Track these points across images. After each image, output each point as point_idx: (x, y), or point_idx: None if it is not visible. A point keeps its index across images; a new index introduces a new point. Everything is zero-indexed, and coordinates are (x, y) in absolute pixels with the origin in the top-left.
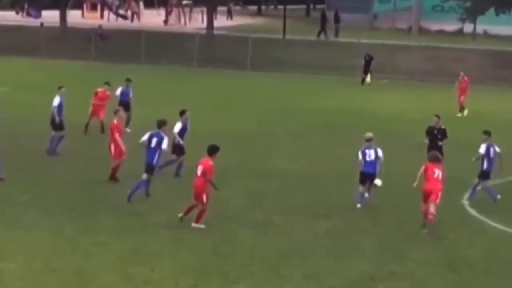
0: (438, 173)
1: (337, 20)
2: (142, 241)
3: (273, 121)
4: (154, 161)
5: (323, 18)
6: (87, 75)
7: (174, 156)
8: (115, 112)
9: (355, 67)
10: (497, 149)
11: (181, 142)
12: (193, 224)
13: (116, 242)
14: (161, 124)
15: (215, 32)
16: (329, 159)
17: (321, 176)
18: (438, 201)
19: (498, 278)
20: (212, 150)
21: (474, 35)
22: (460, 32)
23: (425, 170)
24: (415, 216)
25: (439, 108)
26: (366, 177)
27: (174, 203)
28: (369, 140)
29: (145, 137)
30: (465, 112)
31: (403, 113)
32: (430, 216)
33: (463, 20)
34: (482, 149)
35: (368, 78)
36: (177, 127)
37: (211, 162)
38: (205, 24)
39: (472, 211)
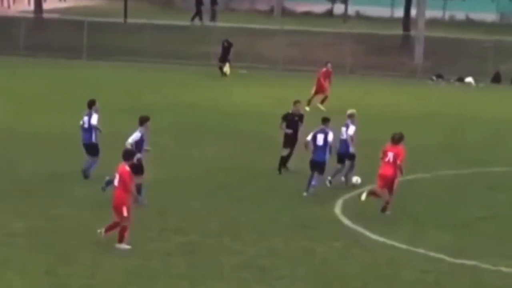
0: (390, 156)
1: (213, 2)
2: None
3: (117, 119)
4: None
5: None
6: None
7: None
8: None
9: (210, 55)
10: (330, 138)
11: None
12: (117, 245)
13: None
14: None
15: (45, 15)
16: (179, 163)
17: (169, 181)
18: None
19: None
20: (129, 155)
21: (345, 17)
22: (329, 13)
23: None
24: (279, 228)
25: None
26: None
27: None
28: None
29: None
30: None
31: (264, 107)
32: (386, 205)
33: (332, 1)
34: (309, 136)
35: (226, 68)
36: (135, 137)
37: (127, 168)
38: (32, 7)
39: (346, 221)
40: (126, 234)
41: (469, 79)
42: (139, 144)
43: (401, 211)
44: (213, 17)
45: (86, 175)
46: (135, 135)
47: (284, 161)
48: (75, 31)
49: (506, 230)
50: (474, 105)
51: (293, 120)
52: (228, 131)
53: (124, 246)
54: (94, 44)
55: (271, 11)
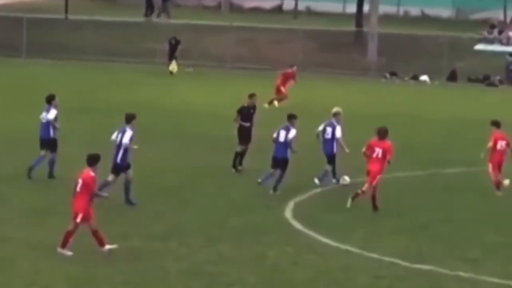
0: (377, 151)
1: None
2: None
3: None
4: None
5: None
6: None
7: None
8: None
9: (155, 52)
10: (290, 135)
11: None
12: (59, 250)
13: None
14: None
15: None
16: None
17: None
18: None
19: None
20: (93, 159)
21: (295, 12)
22: (279, 9)
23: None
24: (229, 233)
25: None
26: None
27: None
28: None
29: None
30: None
31: (212, 107)
32: (359, 191)
33: None
34: (276, 133)
35: (173, 66)
36: (129, 136)
37: (92, 173)
38: None
39: (297, 225)
40: (71, 240)
41: (424, 77)
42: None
43: (355, 214)
44: (166, 13)
45: (30, 173)
46: (129, 134)
47: (240, 158)
48: (14, 28)
49: (464, 233)
50: (430, 104)
51: (248, 113)
52: (174, 132)
53: (67, 252)
54: (34, 42)
55: (219, 7)
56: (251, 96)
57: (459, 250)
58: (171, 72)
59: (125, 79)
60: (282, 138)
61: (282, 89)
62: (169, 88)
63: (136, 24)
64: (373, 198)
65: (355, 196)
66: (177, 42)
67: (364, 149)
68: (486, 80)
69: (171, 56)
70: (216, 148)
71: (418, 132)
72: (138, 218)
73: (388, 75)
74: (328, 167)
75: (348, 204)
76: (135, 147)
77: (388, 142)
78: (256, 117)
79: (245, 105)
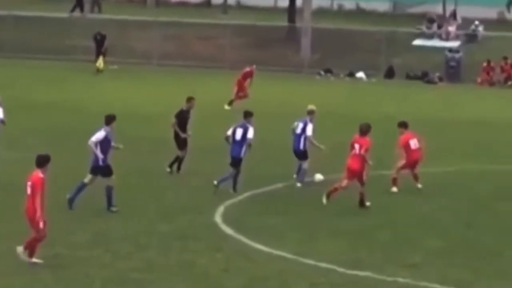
0: (356, 147)
1: None
2: None
3: None
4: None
5: None
6: None
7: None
8: None
9: (76, 48)
10: (249, 135)
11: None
12: (29, 259)
13: None
14: None
15: None
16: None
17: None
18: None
19: None
20: (42, 161)
21: (224, 7)
22: (207, 3)
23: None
24: (156, 239)
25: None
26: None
27: None
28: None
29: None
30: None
31: (136, 107)
32: (361, 197)
33: None
34: (230, 130)
35: (99, 62)
36: (98, 136)
37: (40, 175)
38: None
39: (228, 230)
40: (38, 248)
41: (360, 74)
42: (103, 144)
43: (290, 218)
44: (98, 7)
45: None
46: (99, 134)
47: (179, 162)
48: None
49: (403, 238)
50: (367, 102)
51: (186, 118)
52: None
53: (36, 260)
54: None
55: (144, 1)
56: (190, 99)
57: (399, 256)
58: (97, 69)
59: (46, 76)
60: (239, 136)
61: (245, 87)
62: (92, 86)
63: (58, 19)
64: (361, 195)
65: (332, 191)
66: (103, 37)
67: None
68: (425, 77)
69: (98, 52)
70: (144, 150)
71: (354, 132)
72: (61, 224)
73: (322, 72)
74: (305, 165)
75: (324, 200)
76: (119, 146)
77: (367, 138)
78: (191, 120)
79: (183, 108)
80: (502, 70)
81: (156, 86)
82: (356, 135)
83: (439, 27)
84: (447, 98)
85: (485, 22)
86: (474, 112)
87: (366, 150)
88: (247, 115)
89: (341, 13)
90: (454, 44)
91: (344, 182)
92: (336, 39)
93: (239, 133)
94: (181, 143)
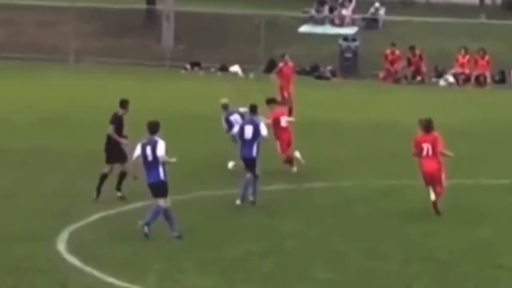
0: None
1: None
2: None
3: None
4: None
5: None
6: None
7: None
8: None
9: None
10: (263, 132)
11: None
12: None
13: None
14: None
15: None
16: None
17: None
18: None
19: None
20: None
21: None
22: None
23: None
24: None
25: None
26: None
27: None
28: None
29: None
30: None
31: None
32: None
33: None
34: (236, 129)
35: None
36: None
37: None
38: None
39: (74, 260)
40: None
41: (235, 68)
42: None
43: (150, 245)
44: None
45: None
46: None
47: (119, 180)
48: None
49: (288, 267)
50: (243, 101)
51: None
52: None
53: None
54: None
55: None
56: (125, 103)
57: None
58: None
59: None
60: (249, 135)
61: (286, 92)
62: None
63: None
64: (436, 201)
65: (435, 206)
66: None
67: (412, 149)
68: (314, 71)
69: None
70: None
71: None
72: None
73: (189, 66)
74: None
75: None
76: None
77: (435, 134)
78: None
79: (119, 113)
80: (410, 62)
81: None
82: (420, 135)
83: (331, 10)
84: (342, 97)
85: (387, 4)
86: (376, 114)
87: (443, 146)
88: (253, 109)
89: None
90: (350, 31)
91: (438, 192)
92: (205, 25)
93: (248, 131)
94: (118, 153)
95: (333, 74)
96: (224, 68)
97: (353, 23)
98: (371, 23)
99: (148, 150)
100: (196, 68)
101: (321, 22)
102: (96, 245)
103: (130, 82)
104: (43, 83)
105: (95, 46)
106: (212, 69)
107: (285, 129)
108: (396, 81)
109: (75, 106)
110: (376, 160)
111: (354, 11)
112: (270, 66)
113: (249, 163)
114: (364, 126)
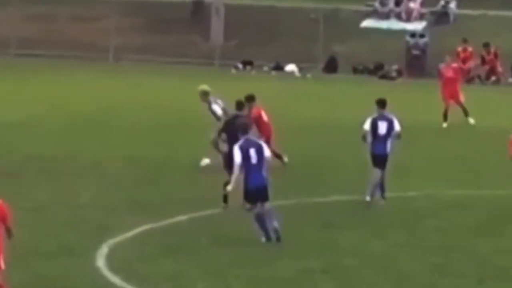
0: None
1: None
2: None
3: None
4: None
5: None
6: None
7: None
8: None
9: None
10: (397, 127)
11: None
12: None
13: None
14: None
15: None
16: None
17: None
18: None
19: None
20: None
21: None
22: None
23: None
24: None
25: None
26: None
27: None
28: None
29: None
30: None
31: None
32: None
33: None
34: (367, 124)
35: None
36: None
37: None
38: None
39: (113, 278)
40: None
41: (291, 67)
42: None
43: (195, 261)
44: None
45: None
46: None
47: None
48: None
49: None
50: (301, 104)
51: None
52: None
53: None
54: None
55: None
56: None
57: None
58: None
59: None
60: (383, 130)
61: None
62: None
63: None
64: None
65: None
66: None
67: (509, 150)
68: (378, 70)
69: None
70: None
71: (291, 143)
72: None
73: (240, 65)
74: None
75: None
76: None
77: None
78: None
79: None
80: (483, 61)
81: (14, 82)
82: None
83: (397, 3)
84: (409, 98)
85: None
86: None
87: None
88: (381, 103)
89: None
90: (418, 26)
91: None
92: (257, 20)
93: (382, 126)
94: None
95: (399, 73)
96: (279, 67)
97: (421, 17)
98: (441, 17)
99: (252, 152)
100: (248, 67)
101: (386, 16)
102: (138, 261)
103: (174, 83)
104: (79, 83)
105: (136, 43)
106: (266, 68)
107: (267, 124)
108: (469, 81)
109: (113, 108)
110: (446, 167)
111: (422, 4)
112: (330, 65)
113: (383, 160)
114: (433, 130)
